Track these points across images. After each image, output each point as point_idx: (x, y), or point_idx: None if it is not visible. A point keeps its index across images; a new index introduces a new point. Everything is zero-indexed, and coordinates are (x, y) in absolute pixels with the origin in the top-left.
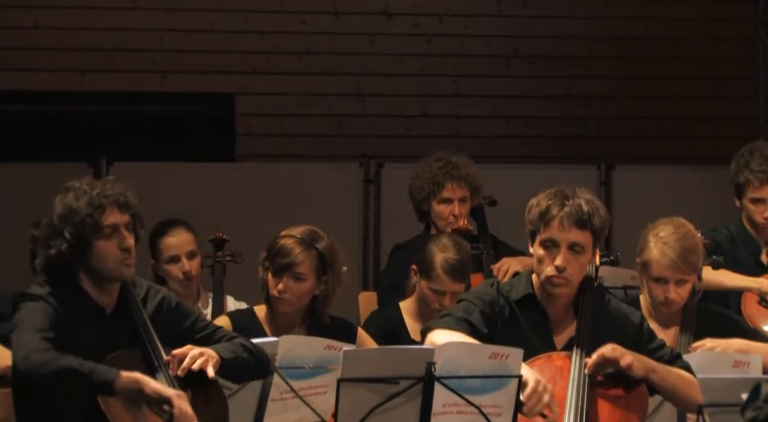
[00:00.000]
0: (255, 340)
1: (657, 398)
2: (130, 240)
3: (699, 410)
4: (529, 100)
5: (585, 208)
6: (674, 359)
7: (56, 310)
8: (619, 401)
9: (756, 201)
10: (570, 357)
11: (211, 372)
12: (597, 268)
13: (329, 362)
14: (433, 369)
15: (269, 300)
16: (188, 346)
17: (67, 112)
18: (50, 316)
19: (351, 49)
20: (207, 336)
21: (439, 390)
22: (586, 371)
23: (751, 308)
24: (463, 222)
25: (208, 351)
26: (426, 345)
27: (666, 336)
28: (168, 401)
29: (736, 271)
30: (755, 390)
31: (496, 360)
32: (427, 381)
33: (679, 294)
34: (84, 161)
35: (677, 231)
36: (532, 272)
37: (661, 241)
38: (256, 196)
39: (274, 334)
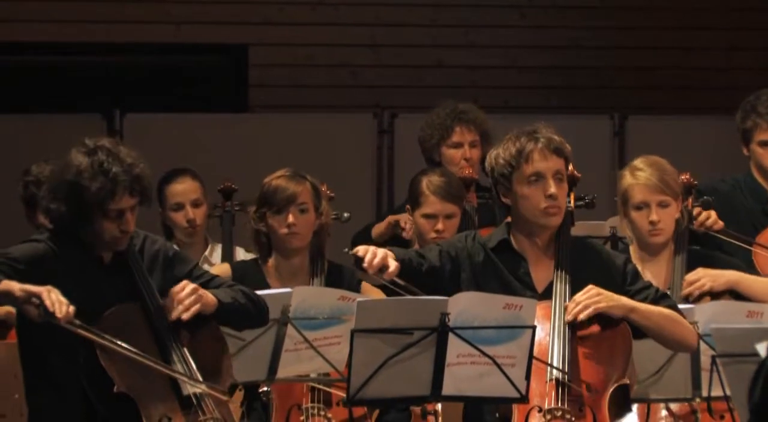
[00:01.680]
0: (266, 291)
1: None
2: (132, 224)
3: (713, 360)
4: (543, 50)
5: (555, 136)
6: (659, 299)
7: (54, 252)
8: (602, 344)
9: (764, 144)
10: (550, 306)
11: (185, 316)
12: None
13: (343, 313)
14: (446, 320)
15: (268, 252)
16: (185, 282)
17: (81, 63)
18: (39, 255)
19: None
20: (204, 285)
21: (453, 340)
22: (567, 317)
23: (763, 258)
24: (468, 171)
25: (204, 292)
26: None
27: (658, 264)
28: (37, 295)
29: (742, 221)
30: None
31: (510, 311)
32: (441, 331)
33: (662, 218)
34: (98, 112)
35: (648, 159)
36: (508, 223)
37: (636, 169)
38: (270, 147)
39: (278, 285)
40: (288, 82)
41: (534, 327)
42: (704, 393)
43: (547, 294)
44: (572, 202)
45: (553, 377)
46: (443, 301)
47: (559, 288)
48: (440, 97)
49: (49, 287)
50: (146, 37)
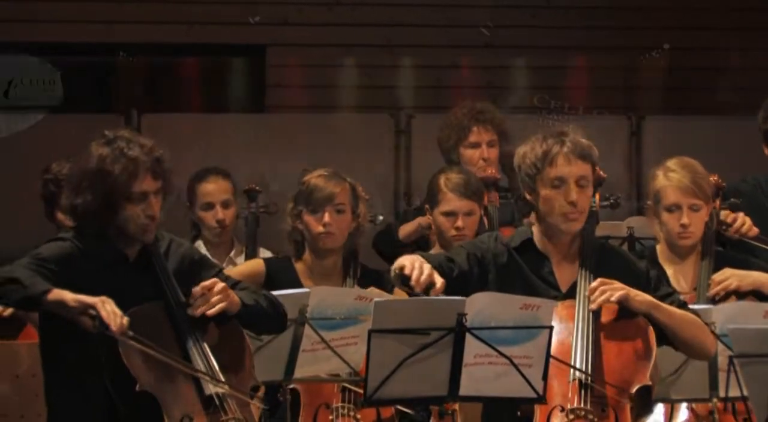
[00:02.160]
0: (284, 291)
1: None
2: (156, 208)
3: (730, 360)
4: (559, 50)
5: (583, 141)
6: (681, 307)
7: (81, 251)
8: (626, 345)
9: None
10: (574, 306)
11: (210, 312)
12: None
13: (360, 313)
14: (464, 320)
15: (301, 251)
16: (214, 280)
17: (97, 63)
18: (67, 254)
19: (381, 0)
20: None
21: (470, 341)
22: (591, 306)
23: None
24: (491, 171)
25: (231, 291)
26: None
27: (685, 265)
28: (92, 307)
29: (764, 221)
30: None
31: (527, 311)
32: (458, 331)
33: (693, 221)
34: (115, 112)
35: (682, 160)
36: (531, 223)
37: (669, 170)
38: (287, 147)
39: (311, 285)
40: (305, 82)
41: (551, 328)
42: (721, 394)
43: (571, 294)
44: (597, 202)
45: (576, 377)
46: (460, 302)
47: (584, 287)
48: (458, 97)
49: (103, 298)
50: (164, 37)
